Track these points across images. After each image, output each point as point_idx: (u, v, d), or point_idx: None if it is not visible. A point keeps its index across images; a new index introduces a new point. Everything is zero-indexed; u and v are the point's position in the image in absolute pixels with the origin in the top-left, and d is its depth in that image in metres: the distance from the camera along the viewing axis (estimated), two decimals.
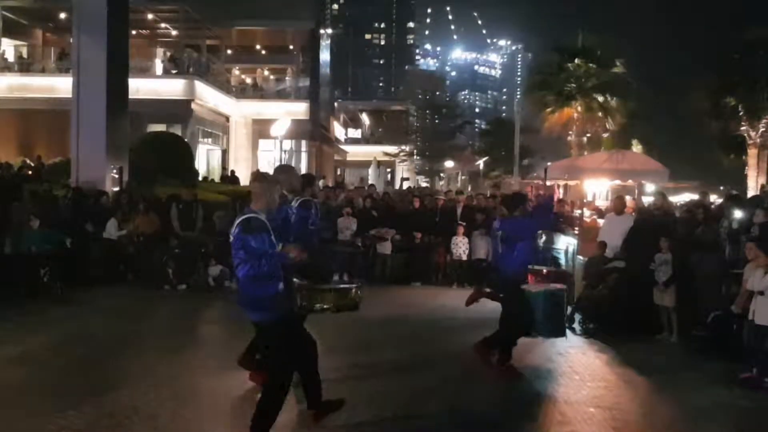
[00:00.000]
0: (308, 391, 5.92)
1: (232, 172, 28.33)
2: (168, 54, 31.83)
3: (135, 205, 14.35)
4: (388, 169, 53.97)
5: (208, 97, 30.51)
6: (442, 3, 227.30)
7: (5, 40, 29.98)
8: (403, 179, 45.06)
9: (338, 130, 49.75)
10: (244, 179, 25.57)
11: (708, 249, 10.01)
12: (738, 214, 11.15)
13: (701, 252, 9.96)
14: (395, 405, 6.55)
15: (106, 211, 14.21)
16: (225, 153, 33.85)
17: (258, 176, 5.81)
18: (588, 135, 31.31)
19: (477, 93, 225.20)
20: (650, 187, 19.36)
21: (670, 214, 12.52)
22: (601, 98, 28.45)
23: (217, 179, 26.83)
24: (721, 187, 29.96)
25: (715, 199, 16.82)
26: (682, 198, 22.95)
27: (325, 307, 5.94)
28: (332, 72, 45.37)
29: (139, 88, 23.35)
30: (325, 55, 40.28)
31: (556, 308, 9.32)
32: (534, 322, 8.28)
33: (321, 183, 27.48)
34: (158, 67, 30.74)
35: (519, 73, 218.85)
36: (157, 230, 13.79)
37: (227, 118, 33.85)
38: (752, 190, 22.83)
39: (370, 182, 32.96)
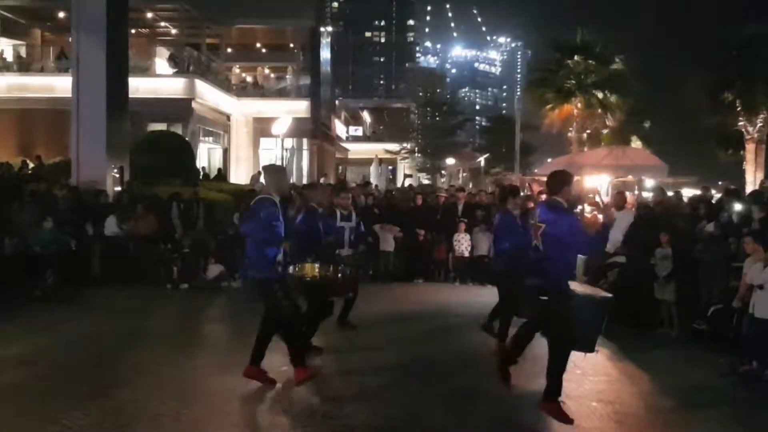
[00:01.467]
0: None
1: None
2: (169, 53, 31.83)
3: (135, 205, 14.36)
4: (390, 167, 53.93)
5: (208, 95, 30.49)
6: (442, 1, 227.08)
7: (4, 40, 29.95)
8: (406, 176, 45.05)
9: (339, 128, 49.69)
10: (246, 178, 25.62)
11: (710, 242, 10.03)
12: (737, 208, 11.17)
13: (704, 245, 9.99)
14: (398, 401, 6.57)
15: (106, 210, 14.23)
16: (226, 152, 33.84)
17: (264, 169, 7.82)
18: (588, 131, 31.29)
19: (477, 90, 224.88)
20: (649, 182, 19.35)
21: (672, 209, 12.49)
22: (600, 95, 28.41)
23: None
24: (720, 182, 29.88)
25: (714, 194, 16.79)
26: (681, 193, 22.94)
27: (308, 276, 7.28)
28: (333, 70, 45.27)
29: (139, 87, 23.31)
30: (325, 53, 40.21)
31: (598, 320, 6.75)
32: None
33: (322, 180, 27.51)
34: (158, 65, 30.74)
35: (519, 70, 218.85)
36: (157, 230, 13.81)
37: (228, 117, 33.82)
38: (750, 185, 22.79)
39: (372, 180, 32.99)
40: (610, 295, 6.90)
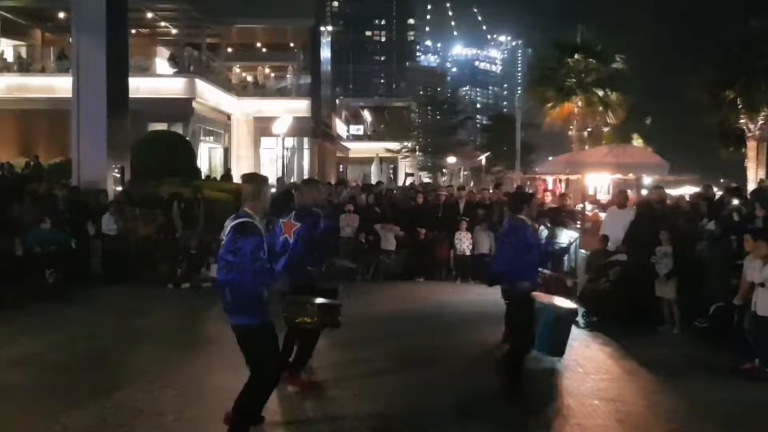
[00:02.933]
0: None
1: (228, 170, 28.39)
2: (169, 52, 31.84)
3: (135, 205, 14.37)
4: (391, 166, 53.93)
5: (209, 95, 30.49)
6: None
7: (4, 40, 29.93)
8: (407, 175, 45.04)
9: (340, 127, 49.68)
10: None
11: (711, 240, 10.02)
12: (739, 205, 11.17)
13: (705, 243, 9.98)
14: (399, 399, 6.57)
15: (105, 209, 14.24)
16: (227, 151, 33.85)
17: (248, 177, 5.73)
18: (589, 129, 31.31)
19: (478, 89, 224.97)
20: (647, 180, 19.34)
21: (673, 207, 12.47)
22: (601, 93, 28.42)
23: (219, 178, 26.83)
24: (721, 180, 29.91)
25: (715, 191, 16.77)
26: (683, 191, 22.93)
27: (307, 321, 6.00)
28: (333, 69, 45.31)
29: (140, 86, 23.30)
30: (325, 53, 40.20)
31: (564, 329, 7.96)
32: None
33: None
34: (159, 65, 30.73)
35: (519, 69, 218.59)
36: (157, 230, 13.82)
37: (228, 116, 33.82)
38: (752, 183, 22.80)
39: (374, 179, 32.97)
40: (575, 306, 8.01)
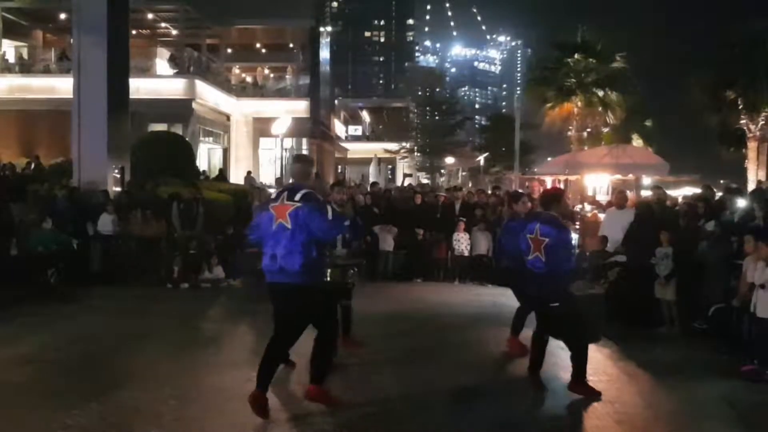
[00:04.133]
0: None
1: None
2: (169, 53, 31.88)
3: (134, 206, 14.38)
4: (389, 166, 53.97)
5: (208, 96, 30.53)
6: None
7: (5, 41, 30.02)
8: (405, 175, 45.05)
9: (339, 128, 49.75)
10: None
11: (713, 241, 10.03)
12: (739, 206, 11.17)
13: (705, 244, 9.99)
14: (397, 400, 6.58)
15: (104, 209, 14.25)
16: (226, 152, 33.89)
17: (301, 158, 7.12)
18: (588, 130, 31.30)
19: (477, 89, 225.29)
20: (647, 181, 19.35)
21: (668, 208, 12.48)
22: (601, 93, 28.41)
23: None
24: (722, 181, 29.90)
25: (716, 192, 16.77)
26: (683, 192, 22.94)
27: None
28: (332, 69, 45.34)
29: (140, 87, 23.38)
30: (324, 53, 40.25)
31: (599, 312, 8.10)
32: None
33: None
34: (159, 66, 30.76)
35: (519, 69, 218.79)
36: (157, 230, 13.83)
37: (228, 117, 33.87)
38: (752, 183, 22.82)
39: (371, 180, 33.00)
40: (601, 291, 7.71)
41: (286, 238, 5.86)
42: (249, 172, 27.90)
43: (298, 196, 5.88)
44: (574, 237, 12.21)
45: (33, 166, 21.18)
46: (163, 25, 32.06)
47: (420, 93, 54.14)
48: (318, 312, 6.01)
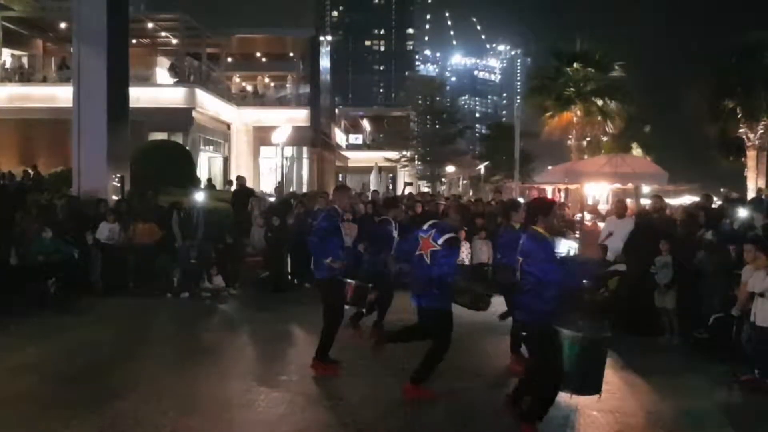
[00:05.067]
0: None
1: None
2: (169, 62, 31.94)
3: (134, 215, 14.37)
4: (390, 175, 53.95)
5: (208, 105, 30.56)
6: (441, 9, 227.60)
7: (5, 50, 30.06)
8: (406, 184, 45.02)
9: (339, 137, 49.77)
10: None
11: (712, 250, 10.02)
12: (738, 215, 11.18)
13: (704, 253, 9.98)
14: (397, 407, 6.57)
15: (103, 218, 14.23)
16: (226, 160, 33.89)
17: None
18: (588, 139, 31.33)
19: (477, 98, 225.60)
20: (647, 189, 19.36)
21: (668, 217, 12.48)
22: (600, 102, 28.45)
23: (218, 186, 26.82)
24: (721, 189, 29.92)
25: (715, 200, 16.80)
26: (682, 200, 22.96)
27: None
28: (332, 78, 45.40)
29: (140, 96, 23.38)
30: (325, 62, 40.31)
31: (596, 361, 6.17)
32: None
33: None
34: (159, 75, 30.81)
35: (518, 78, 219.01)
36: (157, 239, 13.82)
37: (228, 126, 33.89)
38: (752, 192, 22.87)
39: (372, 188, 32.95)
40: (608, 334, 6.22)
41: None
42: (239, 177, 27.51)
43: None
44: (574, 246, 12.22)
45: (32, 175, 21.15)
46: (163, 34, 32.11)
47: (420, 102, 54.00)
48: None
